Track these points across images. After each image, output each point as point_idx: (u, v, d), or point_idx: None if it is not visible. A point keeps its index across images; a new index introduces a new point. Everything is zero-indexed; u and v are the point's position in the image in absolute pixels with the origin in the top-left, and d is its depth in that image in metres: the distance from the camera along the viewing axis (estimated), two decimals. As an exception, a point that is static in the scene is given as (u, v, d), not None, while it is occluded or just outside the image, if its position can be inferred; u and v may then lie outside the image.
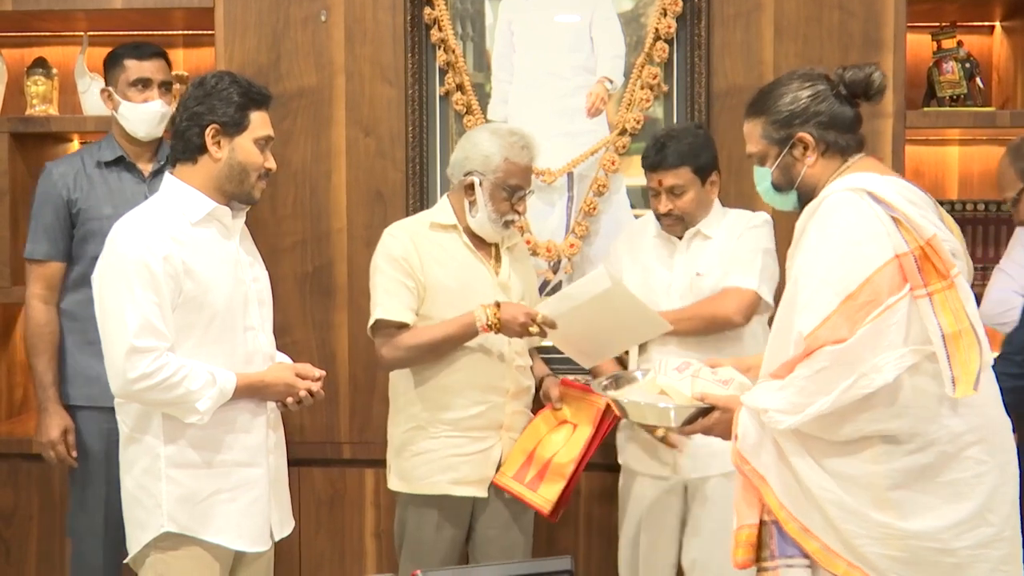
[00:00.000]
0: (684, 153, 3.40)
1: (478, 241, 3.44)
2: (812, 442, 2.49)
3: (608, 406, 3.34)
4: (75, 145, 4.35)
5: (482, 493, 3.42)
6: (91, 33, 4.19)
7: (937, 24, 4.06)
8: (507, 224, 3.41)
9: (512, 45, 3.93)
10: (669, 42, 3.86)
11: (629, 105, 3.88)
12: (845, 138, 2.65)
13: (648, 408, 2.74)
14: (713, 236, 3.47)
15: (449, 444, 3.39)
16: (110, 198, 3.56)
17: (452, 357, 3.37)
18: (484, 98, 3.93)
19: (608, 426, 3.44)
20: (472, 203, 3.40)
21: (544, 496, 3.36)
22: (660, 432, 3.35)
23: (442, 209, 3.49)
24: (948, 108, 3.95)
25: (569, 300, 3.26)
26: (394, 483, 3.50)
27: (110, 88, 3.66)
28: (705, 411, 2.66)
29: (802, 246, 2.56)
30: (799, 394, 2.44)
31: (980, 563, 2.47)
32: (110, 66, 3.68)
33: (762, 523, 2.53)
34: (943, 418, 2.46)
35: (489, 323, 3.27)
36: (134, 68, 3.64)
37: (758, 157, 2.72)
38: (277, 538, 3.13)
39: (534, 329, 3.26)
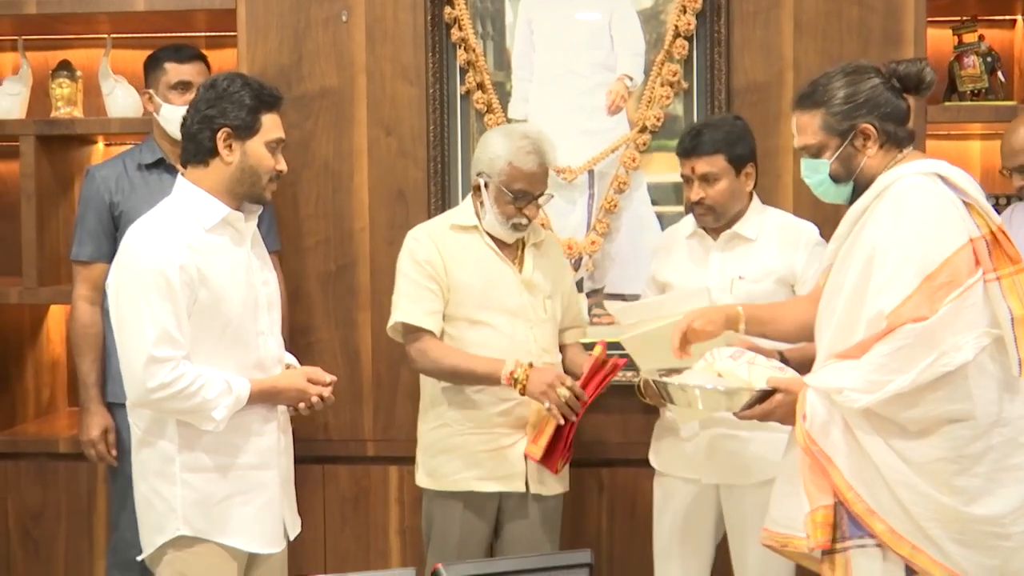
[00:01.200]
0: (719, 140, 3.35)
1: (502, 241, 3.45)
2: (883, 423, 2.52)
3: (601, 357, 3.31)
4: (100, 147, 4.38)
5: (508, 488, 3.43)
6: (114, 35, 4.21)
7: (958, 18, 4.05)
8: (515, 227, 3.40)
9: (532, 43, 3.94)
10: (689, 39, 3.87)
11: (649, 102, 3.88)
12: (901, 130, 2.70)
13: (706, 392, 2.72)
14: (754, 238, 3.40)
15: (475, 441, 3.41)
16: (150, 200, 3.58)
17: (474, 354, 3.39)
18: (504, 96, 3.94)
19: (603, 375, 3.35)
20: (481, 204, 3.42)
21: (538, 445, 3.35)
22: (563, 392, 3.26)
23: (464, 210, 3.50)
24: (969, 102, 3.94)
25: (651, 310, 3.21)
26: (421, 479, 3.53)
27: (151, 91, 3.72)
28: (764, 396, 2.66)
29: (871, 227, 2.59)
30: (878, 371, 2.47)
31: None
32: (150, 69, 3.76)
33: (836, 504, 2.56)
34: (1005, 402, 2.52)
35: (515, 377, 3.26)
36: (174, 71, 3.71)
37: (814, 149, 2.73)
38: (291, 538, 3.15)
39: (563, 392, 3.22)
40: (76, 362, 3.76)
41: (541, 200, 3.42)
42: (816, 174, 2.75)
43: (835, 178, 2.73)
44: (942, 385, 2.47)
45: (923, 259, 2.49)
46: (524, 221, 3.39)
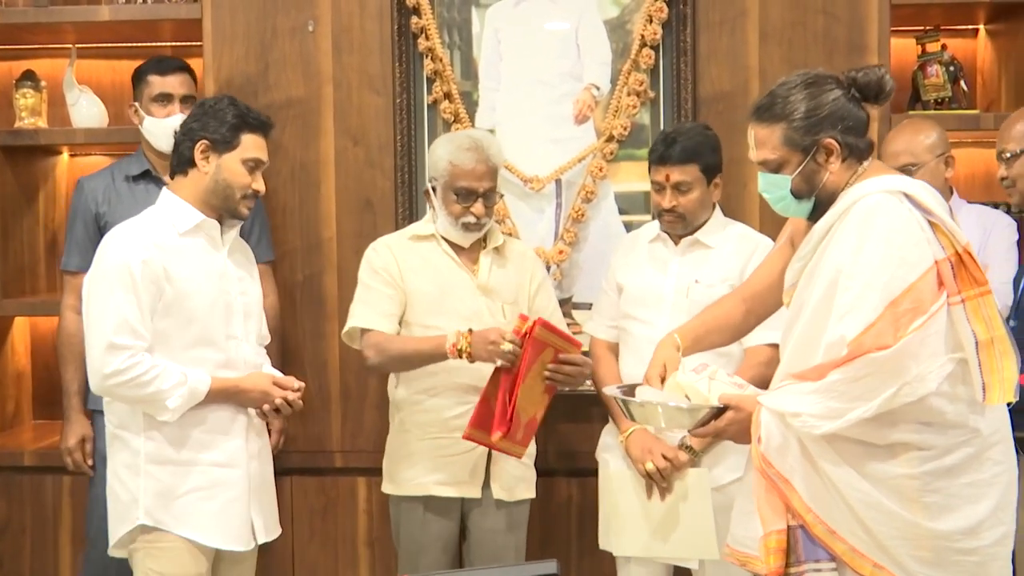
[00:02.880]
0: (693, 150, 3.36)
1: (460, 247, 3.47)
2: (843, 444, 2.48)
3: (532, 328, 3.22)
4: (65, 158, 4.36)
5: (468, 494, 3.43)
6: (79, 45, 4.19)
7: (921, 28, 4.08)
8: (466, 227, 3.42)
9: (499, 53, 3.94)
10: (655, 48, 3.88)
11: (616, 112, 3.89)
12: (862, 141, 2.63)
13: (656, 408, 2.68)
14: (713, 246, 3.43)
15: (435, 446, 3.41)
16: (136, 211, 3.57)
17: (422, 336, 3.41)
18: (472, 106, 3.95)
19: (531, 349, 3.23)
20: (434, 209, 3.46)
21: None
22: (649, 466, 3.31)
23: (424, 221, 3.54)
24: (933, 111, 3.97)
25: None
26: (386, 486, 3.54)
27: (136, 103, 3.75)
28: (718, 413, 2.62)
29: (835, 248, 2.53)
30: (839, 399, 2.43)
31: (996, 560, 2.52)
32: (136, 82, 3.80)
33: (789, 528, 2.52)
34: (970, 420, 2.49)
35: (459, 348, 3.24)
36: (156, 83, 3.74)
37: (774, 164, 2.64)
38: (261, 540, 3.20)
39: (506, 347, 3.18)
40: (60, 370, 3.79)
41: (490, 200, 3.43)
42: (777, 189, 2.66)
43: (797, 194, 2.63)
44: (905, 412, 2.44)
45: (887, 284, 2.43)
46: (472, 220, 3.40)
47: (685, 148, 3.36)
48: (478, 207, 3.40)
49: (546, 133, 3.93)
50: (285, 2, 3.95)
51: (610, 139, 3.90)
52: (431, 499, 3.43)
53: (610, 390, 2.93)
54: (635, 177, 3.92)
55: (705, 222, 3.45)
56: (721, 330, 2.96)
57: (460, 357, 3.26)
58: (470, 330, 3.27)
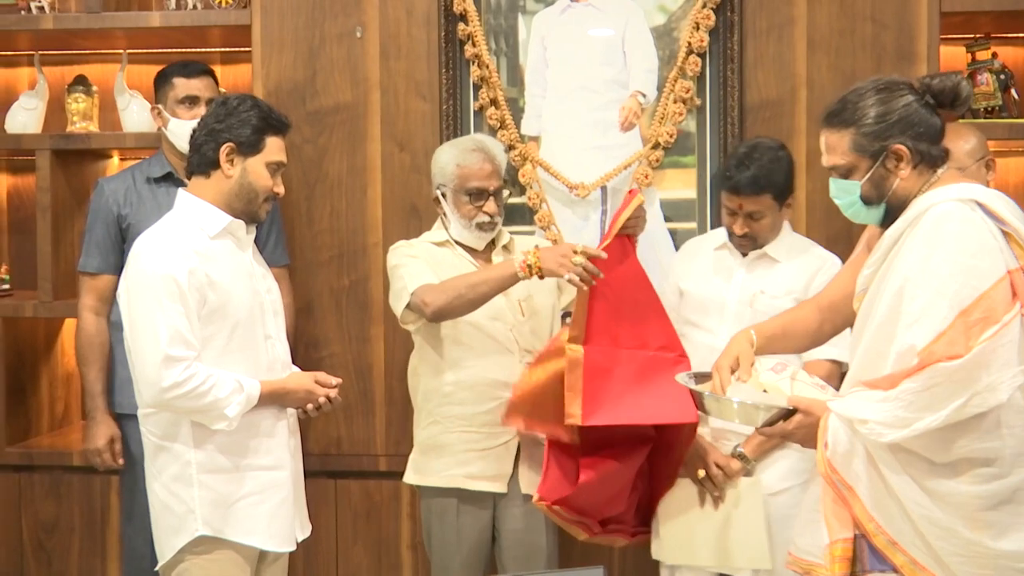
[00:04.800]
0: (766, 179, 3.31)
1: (474, 252, 3.51)
2: (908, 457, 2.46)
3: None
4: (115, 162, 4.41)
5: (497, 489, 3.44)
6: (130, 51, 4.24)
7: (971, 35, 4.05)
8: (480, 227, 3.45)
9: (545, 60, 3.95)
10: (702, 56, 3.87)
11: (662, 119, 3.89)
12: (935, 149, 2.59)
13: (731, 403, 2.68)
14: (780, 259, 3.41)
15: (465, 439, 3.42)
16: (157, 213, 3.60)
17: (461, 355, 3.40)
18: (517, 113, 3.96)
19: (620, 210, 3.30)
20: (445, 215, 3.49)
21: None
22: (701, 473, 3.32)
23: (436, 229, 3.57)
24: (983, 120, 3.94)
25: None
26: (409, 476, 3.54)
27: (159, 106, 3.75)
28: (787, 414, 2.60)
29: (905, 255, 2.51)
30: (907, 408, 2.41)
31: None
32: (160, 84, 3.79)
33: (856, 536, 2.50)
34: None
35: (529, 263, 3.20)
36: (182, 86, 3.73)
37: (844, 170, 2.62)
38: (300, 539, 3.21)
39: (578, 260, 3.16)
40: (82, 371, 3.79)
41: (499, 198, 3.47)
42: (847, 195, 2.64)
43: (866, 200, 2.61)
44: (973, 424, 2.40)
45: (958, 293, 2.39)
46: (487, 219, 3.44)
47: (757, 179, 3.31)
48: (491, 205, 3.44)
49: (592, 140, 3.94)
50: (333, 8, 3.98)
51: (656, 146, 3.89)
52: (462, 495, 3.44)
53: (681, 377, 2.92)
54: (681, 184, 3.91)
55: (774, 237, 3.43)
56: (796, 336, 2.94)
57: (531, 275, 3.21)
58: (536, 246, 3.30)
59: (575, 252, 3.17)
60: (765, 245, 3.42)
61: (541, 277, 3.22)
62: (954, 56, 4.04)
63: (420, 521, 3.93)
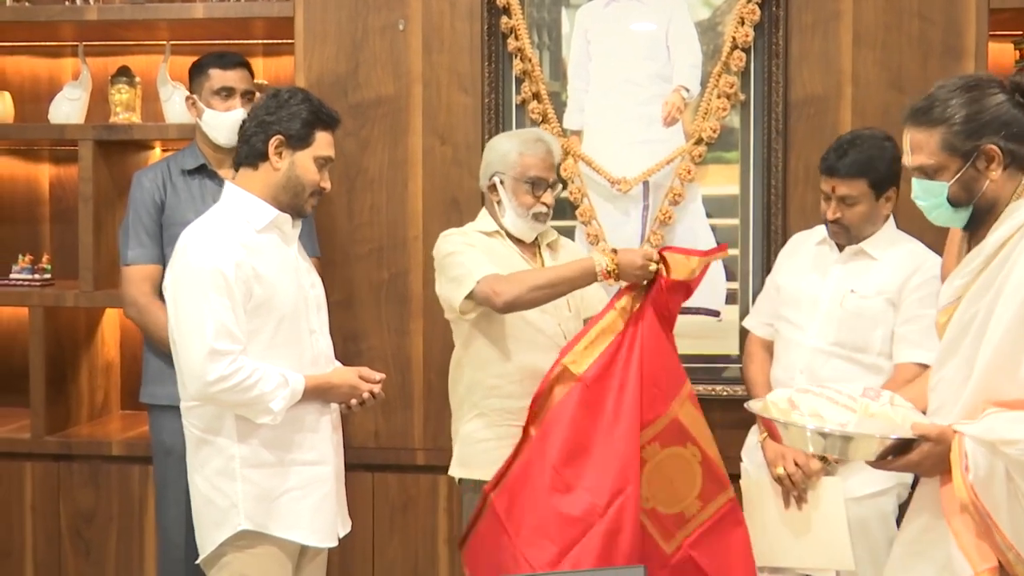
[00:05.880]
0: (863, 164, 3.26)
1: (520, 244, 3.50)
2: None
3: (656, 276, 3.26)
4: (157, 153, 4.42)
5: None
6: (173, 42, 4.26)
7: (1019, 32, 4.00)
8: (536, 217, 3.45)
9: (588, 54, 3.94)
10: (746, 51, 3.85)
11: (705, 114, 3.86)
12: None
13: (818, 435, 2.48)
14: (878, 258, 3.35)
15: (511, 432, 3.40)
16: (192, 204, 3.63)
17: (509, 348, 3.40)
18: (560, 107, 3.94)
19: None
20: (499, 203, 3.47)
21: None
22: (780, 471, 3.27)
23: (482, 220, 3.55)
24: (1030, 117, 3.89)
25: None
26: (455, 470, 3.52)
27: (194, 96, 3.74)
28: (905, 444, 2.45)
29: (1021, 265, 2.39)
30: None
31: None
32: (195, 75, 3.77)
33: (999, 564, 2.36)
34: None
35: (608, 269, 3.25)
36: (218, 77, 3.72)
37: (931, 170, 2.50)
38: (342, 535, 3.20)
39: (653, 267, 3.24)
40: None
41: (554, 191, 3.48)
42: (932, 197, 2.51)
43: (954, 202, 2.49)
44: None
45: None
46: (543, 210, 3.44)
47: (855, 162, 3.27)
48: (548, 196, 3.45)
49: (634, 134, 3.91)
50: (376, 1, 3.97)
51: (699, 142, 3.87)
52: None
53: (754, 405, 2.73)
54: (724, 180, 3.89)
55: (874, 232, 3.37)
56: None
57: (610, 279, 3.29)
58: (614, 250, 3.34)
59: (650, 260, 3.25)
60: (860, 238, 3.36)
61: (617, 279, 3.29)
62: (1002, 53, 4.00)
63: (457, 516, 3.94)
